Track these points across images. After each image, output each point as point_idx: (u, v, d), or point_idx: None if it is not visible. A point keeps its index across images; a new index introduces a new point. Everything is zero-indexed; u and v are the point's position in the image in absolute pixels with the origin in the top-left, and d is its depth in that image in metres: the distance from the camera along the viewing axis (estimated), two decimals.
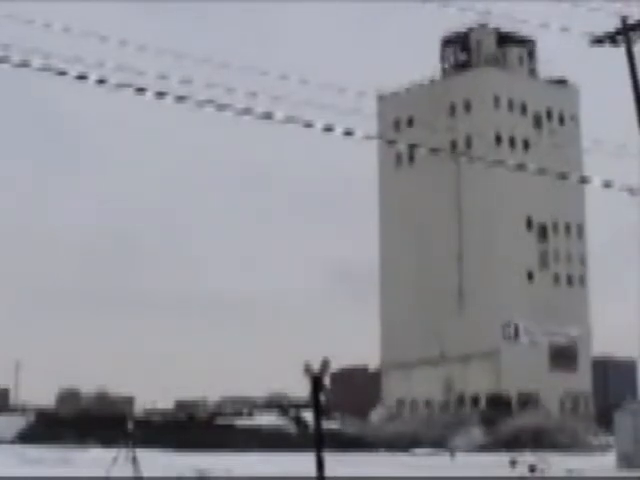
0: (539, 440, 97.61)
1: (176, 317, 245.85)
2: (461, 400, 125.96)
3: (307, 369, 25.53)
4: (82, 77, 17.61)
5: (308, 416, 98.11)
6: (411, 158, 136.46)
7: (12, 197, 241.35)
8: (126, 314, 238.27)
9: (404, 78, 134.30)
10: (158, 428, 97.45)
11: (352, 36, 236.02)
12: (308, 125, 19.51)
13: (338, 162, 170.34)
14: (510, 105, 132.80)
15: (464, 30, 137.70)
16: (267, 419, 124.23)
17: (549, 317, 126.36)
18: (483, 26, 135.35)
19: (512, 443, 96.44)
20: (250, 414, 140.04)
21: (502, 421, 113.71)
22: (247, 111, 18.88)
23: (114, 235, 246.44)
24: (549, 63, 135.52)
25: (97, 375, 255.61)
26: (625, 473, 61.47)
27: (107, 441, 65.74)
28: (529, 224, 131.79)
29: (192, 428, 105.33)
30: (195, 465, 52.72)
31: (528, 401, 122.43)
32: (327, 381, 27.48)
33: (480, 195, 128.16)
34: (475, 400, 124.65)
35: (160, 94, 18.22)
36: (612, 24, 31.51)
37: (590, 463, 67.46)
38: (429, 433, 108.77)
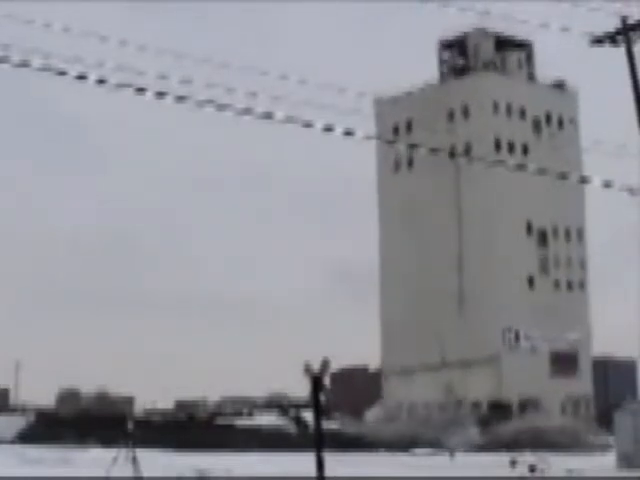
0: (539, 441, 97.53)
1: (176, 317, 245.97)
2: (462, 406, 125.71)
3: (307, 369, 25.53)
4: (82, 77, 17.61)
5: (308, 416, 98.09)
6: (410, 164, 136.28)
7: (12, 197, 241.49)
8: (126, 314, 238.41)
9: (404, 79, 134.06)
10: (158, 428, 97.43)
11: (352, 36, 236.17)
12: (308, 125, 19.51)
13: (338, 162, 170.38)
14: (509, 110, 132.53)
15: (461, 34, 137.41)
16: (267, 419, 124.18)
17: (549, 322, 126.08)
18: (481, 30, 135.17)
19: (511, 444, 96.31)
20: (250, 414, 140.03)
21: (502, 422, 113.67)
22: (247, 111, 18.89)
23: (114, 235, 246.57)
24: (548, 65, 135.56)
25: (97, 375, 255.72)
26: (625, 473, 61.46)
27: (107, 441, 65.72)
28: (529, 229, 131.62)
29: (192, 428, 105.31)
30: (195, 465, 52.73)
31: (528, 405, 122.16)
32: (327, 381, 27.48)
33: (480, 201, 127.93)
34: (476, 406, 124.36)
35: (160, 94, 18.22)
36: (612, 24, 31.53)
37: (590, 463, 67.44)
38: (426, 433, 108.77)
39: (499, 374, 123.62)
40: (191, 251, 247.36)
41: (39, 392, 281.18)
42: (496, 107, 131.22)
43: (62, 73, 17.39)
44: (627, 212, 41.31)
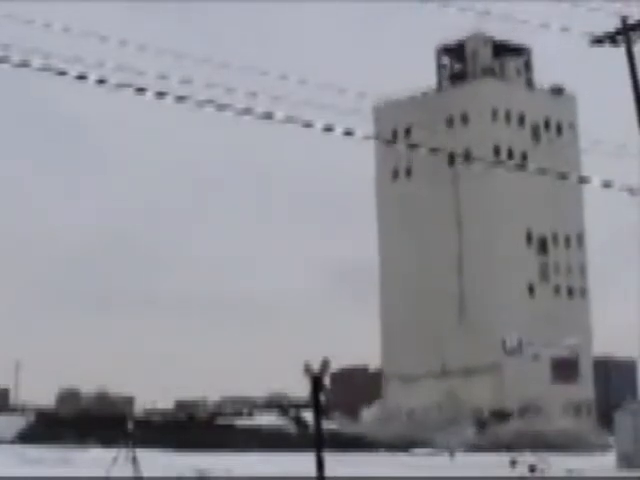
0: (539, 442, 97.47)
1: (176, 317, 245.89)
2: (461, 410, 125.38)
3: (307, 369, 25.54)
4: (82, 77, 17.62)
5: (308, 416, 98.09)
6: (408, 172, 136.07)
7: (12, 197, 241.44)
8: (126, 314, 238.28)
9: (404, 79, 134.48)
10: (158, 428, 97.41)
11: (352, 36, 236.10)
12: (308, 125, 19.52)
13: (338, 162, 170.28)
14: (508, 116, 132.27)
15: (460, 40, 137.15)
16: (267, 419, 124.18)
17: (550, 329, 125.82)
18: (479, 35, 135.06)
19: (510, 444, 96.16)
20: (250, 414, 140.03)
21: (501, 424, 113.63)
22: (247, 111, 18.89)
23: (114, 235, 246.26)
24: (546, 67, 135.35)
25: (97, 375, 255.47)
26: (625, 473, 61.48)
27: (107, 441, 65.72)
28: (529, 237, 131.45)
29: (192, 428, 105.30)
30: (195, 465, 52.73)
31: (529, 410, 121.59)
32: (327, 381, 27.49)
33: (479, 209, 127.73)
34: (477, 413, 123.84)
35: (160, 94, 18.23)
36: (612, 24, 31.53)
37: (590, 463, 67.47)
38: (422, 433, 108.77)
39: (500, 381, 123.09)
40: (191, 251, 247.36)
41: (39, 392, 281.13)
42: (495, 114, 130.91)
43: (62, 73, 17.40)
44: (627, 212, 41.30)
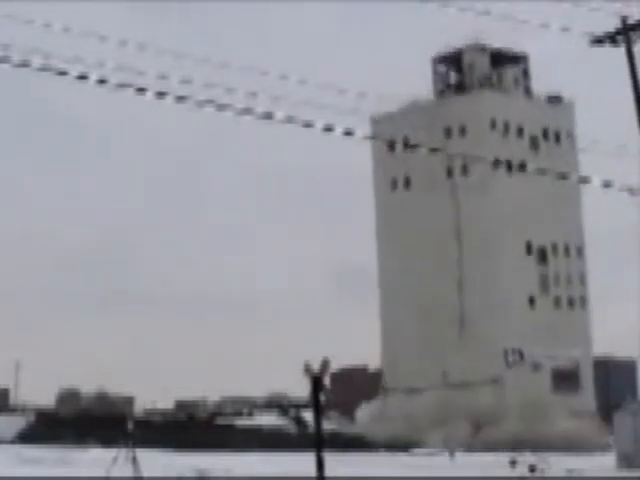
0: (538, 442, 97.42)
1: (176, 317, 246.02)
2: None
3: (307, 369, 25.56)
4: (82, 77, 17.62)
5: (308, 416, 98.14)
6: (407, 183, 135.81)
7: (12, 197, 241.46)
8: (126, 314, 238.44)
9: (403, 80, 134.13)
10: (158, 428, 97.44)
11: (352, 36, 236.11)
12: (308, 125, 19.51)
13: (339, 162, 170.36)
14: (506, 128, 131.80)
15: (456, 49, 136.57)
16: (267, 419, 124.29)
17: (551, 340, 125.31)
18: (476, 45, 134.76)
19: (506, 445, 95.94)
20: (250, 414, 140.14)
21: (499, 424, 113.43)
22: (247, 111, 18.89)
23: (114, 235, 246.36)
24: (545, 72, 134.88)
25: (97, 375, 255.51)
26: (625, 473, 61.53)
27: (107, 441, 65.74)
28: (528, 248, 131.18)
29: (192, 428, 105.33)
30: (195, 465, 52.78)
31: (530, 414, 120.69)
32: (327, 381, 27.50)
33: (478, 220, 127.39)
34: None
35: (160, 94, 18.22)
36: (612, 24, 31.50)
37: (590, 463, 67.50)
38: (416, 433, 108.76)
39: (501, 393, 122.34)
40: (191, 251, 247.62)
41: (39, 392, 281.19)
42: (493, 125, 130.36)
43: (62, 73, 17.40)
44: (627, 212, 41.29)
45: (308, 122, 19.51)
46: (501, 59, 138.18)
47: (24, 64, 17.05)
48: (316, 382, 25.47)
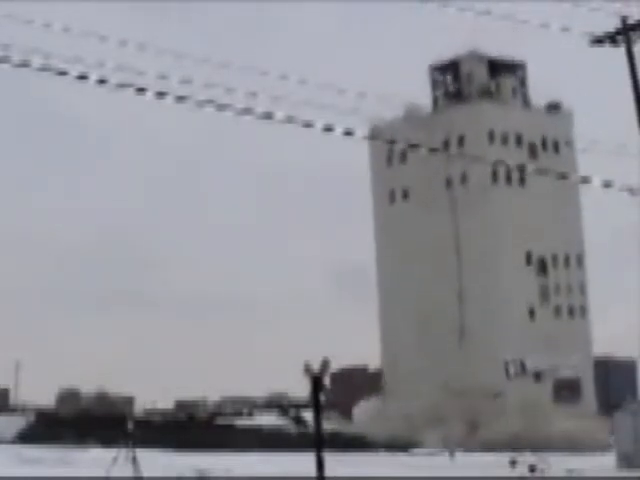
0: (537, 442, 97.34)
1: (176, 317, 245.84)
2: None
3: (307, 369, 25.57)
4: (82, 77, 17.62)
5: (308, 416, 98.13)
6: (405, 195, 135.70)
7: (12, 197, 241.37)
8: (126, 314, 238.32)
9: (403, 80, 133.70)
10: (158, 428, 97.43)
11: (352, 36, 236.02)
12: (308, 125, 19.52)
13: (339, 162, 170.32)
14: (505, 139, 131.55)
15: (453, 58, 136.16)
16: (267, 419, 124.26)
17: (551, 351, 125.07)
18: (474, 54, 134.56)
19: (502, 445, 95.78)
20: (250, 414, 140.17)
21: (497, 425, 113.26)
22: (247, 111, 18.89)
23: (114, 235, 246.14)
24: (543, 78, 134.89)
25: (97, 375, 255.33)
26: (625, 473, 61.55)
27: (107, 441, 65.74)
28: (528, 258, 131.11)
29: (192, 428, 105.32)
30: (195, 465, 52.82)
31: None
32: (327, 381, 27.51)
33: (478, 232, 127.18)
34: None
35: (160, 94, 18.23)
36: (612, 24, 31.51)
37: (590, 463, 67.49)
38: (413, 432, 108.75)
39: (502, 406, 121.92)
40: (191, 251, 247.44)
41: (39, 392, 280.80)
42: (492, 136, 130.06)
43: (62, 73, 17.40)
44: (627, 212, 41.29)
45: (308, 122, 19.52)
46: (499, 67, 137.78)
47: (24, 64, 17.05)
48: (316, 382, 25.49)
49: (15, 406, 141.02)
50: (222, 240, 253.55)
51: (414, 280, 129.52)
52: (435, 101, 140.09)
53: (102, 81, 17.68)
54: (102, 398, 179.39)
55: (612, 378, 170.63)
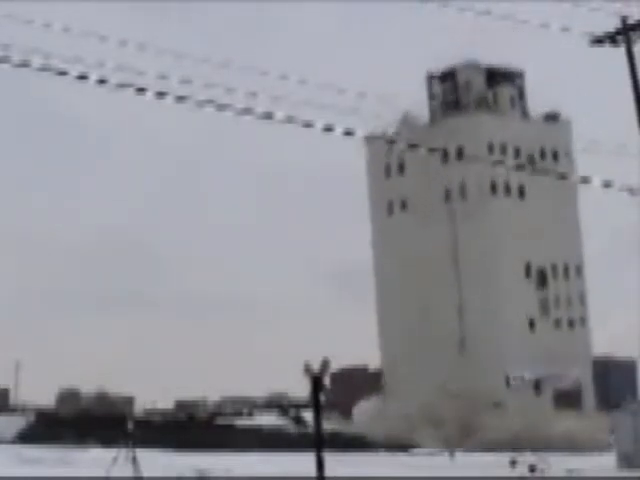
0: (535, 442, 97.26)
1: (176, 317, 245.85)
2: None
3: (307, 369, 25.58)
4: (82, 77, 17.64)
5: (308, 416, 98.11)
6: (403, 206, 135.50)
7: (12, 197, 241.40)
8: (126, 314, 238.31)
9: (404, 80, 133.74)
10: (158, 428, 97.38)
11: (352, 36, 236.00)
12: (308, 125, 19.53)
13: (339, 162, 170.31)
14: (503, 150, 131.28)
15: (451, 67, 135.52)
16: (267, 419, 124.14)
17: (551, 362, 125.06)
18: (471, 64, 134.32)
19: (499, 446, 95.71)
20: (250, 414, 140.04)
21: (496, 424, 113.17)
22: (247, 111, 18.91)
23: (114, 235, 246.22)
24: (541, 87, 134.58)
25: (97, 375, 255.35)
26: (625, 473, 61.56)
27: (107, 441, 65.68)
28: (528, 271, 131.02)
29: (192, 428, 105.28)
30: (195, 465, 52.82)
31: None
32: (327, 381, 27.51)
33: (477, 243, 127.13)
34: None
35: (160, 94, 18.24)
36: (612, 24, 31.52)
37: (590, 463, 67.48)
38: (409, 433, 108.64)
39: (502, 415, 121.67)
40: (191, 251, 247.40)
41: (39, 392, 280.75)
42: (491, 148, 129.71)
43: (62, 73, 17.42)
44: (627, 212, 41.27)
45: (308, 122, 19.54)
46: (497, 76, 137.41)
47: (24, 64, 17.06)
48: (316, 382, 25.49)
49: (15, 406, 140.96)
50: (222, 240, 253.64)
51: (413, 292, 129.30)
52: (432, 111, 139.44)
53: (102, 81, 17.70)
54: (102, 398, 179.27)
55: (612, 378, 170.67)
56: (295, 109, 20.43)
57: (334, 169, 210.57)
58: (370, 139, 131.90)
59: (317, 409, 26.49)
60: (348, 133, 20.34)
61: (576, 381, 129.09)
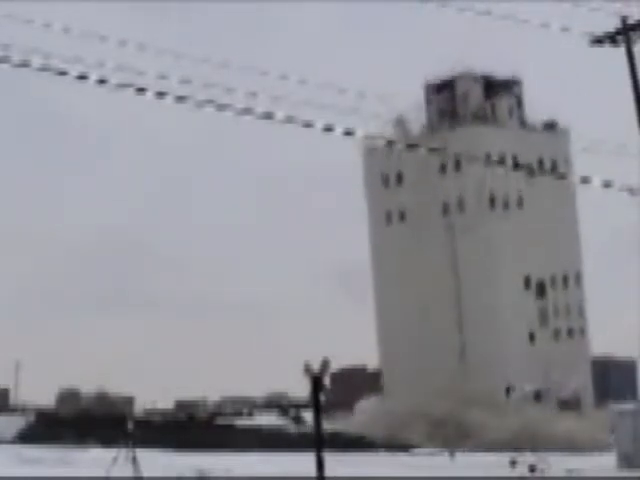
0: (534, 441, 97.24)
1: (176, 317, 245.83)
2: None
3: (307, 369, 25.59)
4: (82, 77, 17.63)
5: (308, 416, 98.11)
6: (401, 217, 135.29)
7: (12, 197, 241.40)
8: (126, 314, 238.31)
9: (403, 80, 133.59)
10: (158, 428, 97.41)
11: (352, 36, 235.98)
12: (308, 125, 19.52)
13: (339, 162, 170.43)
14: (502, 160, 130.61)
15: (448, 77, 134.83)
16: (267, 419, 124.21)
17: (551, 373, 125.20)
18: (469, 74, 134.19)
19: (504, 445, 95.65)
20: (250, 414, 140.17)
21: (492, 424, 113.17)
22: (247, 111, 18.90)
23: (114, 235, 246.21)
24: (540, 94, 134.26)
25: (97, 375, 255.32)
26: (625, 473, 61.57)
27: (107, 441, 65.72)
28: (527, 282, 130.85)
29: (192, 428, 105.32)
30: (195, 465, 52.81)
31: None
32: (327, 381, 27.52)
33: (475, 257, 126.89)
34: None
35: (160, 94, 18.23)
36: (612, 24, 31.52)
37: (590, 463, 67.48)
38: (403, 432, 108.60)
39: (503, 417, 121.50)
40: (191, 251, 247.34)
41: (39, 392, 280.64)
42: (489, 160, 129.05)
43: (62, 73, 17.41)
44: (627, 212, 41.27)
45: (308, 122, 19.53)
46: (494, 86, 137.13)
47: (24, 64, 17.05)
48: (316, 382, 25.50)
49: (15, 406, 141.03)
50: (222, 240, 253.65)
51: (412, 304, 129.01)
52: (430, 119, 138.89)
53: (102, 81, 17.69)
54: (102, 398, 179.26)
55: (612, 378, 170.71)
56: (295, 109, 20.44)
57: (334, 169, 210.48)
58: (369, 150, 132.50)
59: (317, 409, 26.50)
60: (348, 133, 20.34)
61: (575, 391, 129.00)
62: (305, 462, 33.45)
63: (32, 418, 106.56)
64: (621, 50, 31.67)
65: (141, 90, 18.00)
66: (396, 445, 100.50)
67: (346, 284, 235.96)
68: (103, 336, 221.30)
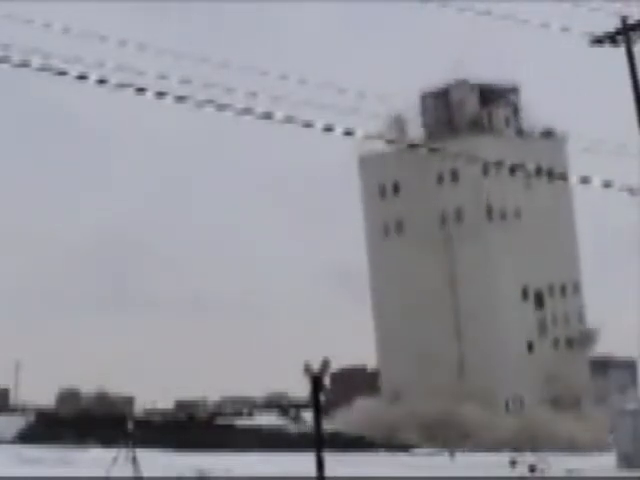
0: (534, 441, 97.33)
1: (176, 317, 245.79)
2: None
3: (307, 369, 25.59)
4: (82, 77, 17.63)
5: (308, 416, 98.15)
6: (399, 228, 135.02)
7: (12, 197, 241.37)
8: (126, 314, 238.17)
9: (403, 80, 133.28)
10: (158, 428, 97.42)
11: (352, 36, 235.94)
12: (308, 125, 19.52)
13: (338, 162, 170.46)
14: (499, 170, 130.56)
15: (444, 86, 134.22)
16: (267, 419, 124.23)
17: (551, 382, 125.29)
18: (464, 82, 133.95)
19: (503, 445, 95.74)
20: (250, 414, 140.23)
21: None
22: (247, 111, 18.89)
23: (114, 235, 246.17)
24: (540, 95, 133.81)
25: (97, 375, 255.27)
26: (625, 473, 61.59)
27: (107, 441, 65.74)
28: (525, 293, 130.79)
29: (192, 428, 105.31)
30: (195, 465, 52.83)
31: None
32: (327, 381, 27.52)
33: (473, 268, 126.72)
34: None
35: (160, 94, 18.23)
36: (612, 24, 31.52)
37: (590, 463, 67.51)
38: (400, 432, 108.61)
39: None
40: (191, 251, 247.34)
41: (39, 392, 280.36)
42: (486, 169, 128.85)
43: (62, 73, 17.40)
44: (627, 212, 41.27)
45: (308, 122, 19.52)
46: (490, 95, 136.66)
47: (24, 64, 17.05)
48: (316, 382, 25.50)
49: (15, 406, 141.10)
50: (222, 240, 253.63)
51: (411, 314, 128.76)
52: (426, 129, 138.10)
53: (102, 81, 17.69)
54: (102, 398, 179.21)
55: (612, 378, 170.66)
56: (295, 109, 20.44)
57: (334, 169, 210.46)
58: (364, 160, 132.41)
59: (317, 409, 26.50)
60: (348, 133, 20.33)
61: (577, 398, 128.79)
62: (305, 462, 33.47)
63: (32, 418, 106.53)
64: (621, 50, 31.68)
65: (141, 90, 18.00)
66: (396, 445, 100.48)
67: (346, 284, 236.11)
68: (103, 336, 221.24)
